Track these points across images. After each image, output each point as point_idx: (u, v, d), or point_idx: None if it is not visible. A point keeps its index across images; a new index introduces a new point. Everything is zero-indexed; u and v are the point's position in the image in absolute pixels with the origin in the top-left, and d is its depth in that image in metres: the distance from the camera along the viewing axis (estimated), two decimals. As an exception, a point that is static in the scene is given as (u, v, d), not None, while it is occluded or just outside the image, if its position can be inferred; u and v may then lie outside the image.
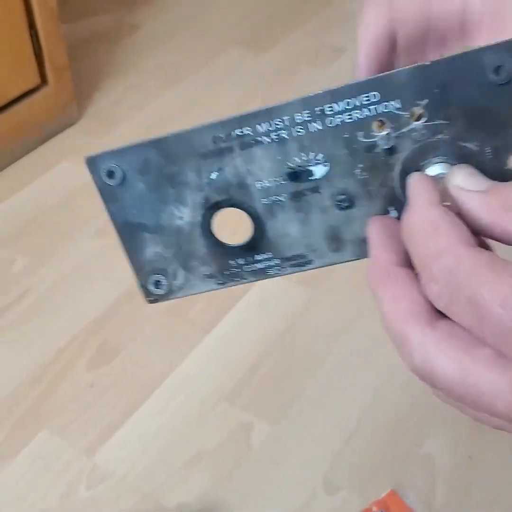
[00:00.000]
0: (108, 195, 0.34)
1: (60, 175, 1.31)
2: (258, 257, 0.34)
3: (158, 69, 1.63)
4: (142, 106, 1.49)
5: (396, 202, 0.33)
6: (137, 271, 0.35)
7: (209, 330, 1.01)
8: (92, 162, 0.33)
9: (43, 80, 1.34)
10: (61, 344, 0.99)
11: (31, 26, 1.27)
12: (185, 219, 0.33)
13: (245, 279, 0.35)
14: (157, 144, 0.33)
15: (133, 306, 1.05)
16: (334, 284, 1.08)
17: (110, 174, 0.33)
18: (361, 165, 0.32)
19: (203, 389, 0.94)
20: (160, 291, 0.35)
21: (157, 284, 0.35)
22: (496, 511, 0.80)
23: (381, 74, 0.31)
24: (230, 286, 0.35)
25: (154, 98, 1.52)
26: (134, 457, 0.86)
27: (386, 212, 0.33)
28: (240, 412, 0.91)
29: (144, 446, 0.87)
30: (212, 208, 0.33)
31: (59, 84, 1.37)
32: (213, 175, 0.33)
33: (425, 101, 0.30)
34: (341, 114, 0.31)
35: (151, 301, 0.36)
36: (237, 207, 0.34)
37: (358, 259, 0.35)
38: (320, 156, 0.32)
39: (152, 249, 0.34)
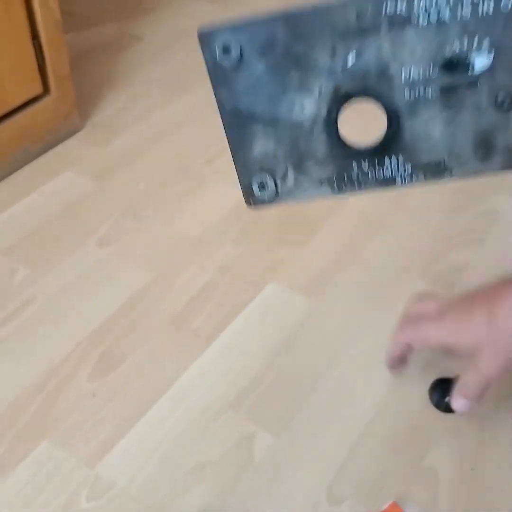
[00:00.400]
0: (219, 76, 0.30)
1: (62, 184, 1.31)
2: (387, 162, 0.30)
3: (160, 80, 1.64)
4: (145, 116, 1.50)
5: None
6: (241, 169, 0.32)
7: (211, 340, 1.01)
8: (206, 36, 0.29)
9: (45, 89, 1.35)
10: (63, 353, 0.99)
11: (34, 36, 1.28)
12: (307, 111, 0.29)
13: (367, 186, 0.31)
14: (288, 18, 0.28)
15: (136, 316, 1.05)
16: (336, 293, 1.08)
17: (226, 50, 0.29)
18: None
19: (206, 399, 0.93)
20: (265, 194, 0.31)
21: (262, 185, 0.31)
22: (500, 524, 0.79)
23: None
24: (347, 194, 0.31)
25: (157, 108, 1.53)
26: (137, 468, 0.85)
27: None
28: (243, 422, 0.91)
29: (146, 456, 0.87)
30: (342, 99, 0.29)
31: (61, 93, 1.37)
32: (350, 59, 0.28)
33: None
34: None
35: (252, 206, 0.31)
36: (373, 100, 0.29)
37: (503, 171, 0.29)
38: (485, 43, 0.27)
39: (261, 145, 0.30)
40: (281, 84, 0.29)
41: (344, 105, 0.29)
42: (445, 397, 0.86)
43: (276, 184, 0.31)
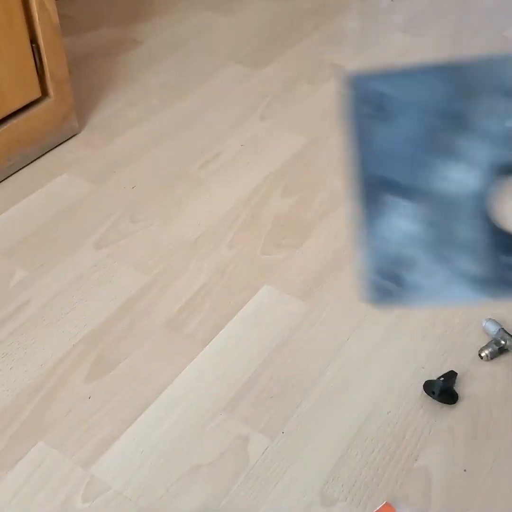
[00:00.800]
0: (360, 130, 0.23)
1: (60, 187, 1.32)
2: None
3: (158, 84, 1.65)
4: (142, 120, 1.51)
5: None
6: (370, 254, 0.23)
7: (206, 343, 1.02)
8: (355, 81, 0.24)
9: (44, 93, 1.36)
10: (59, 356, 1.00)
11: (33, 40, 1.29)
12: (457, 183, 0.22)
13: None
14: (446, 71, 0.22)
15: (132, 318, 1.05)
16: (332, 298, 1.09)
17: (373, 99, 0.23)
18: None
19: (201, 401, 0.94)
20: (393, 290, 0.23)
21: (388, 275, 0.23)
22: (492, 525, 0.80)
23: None
24: (499, 300, 0.22)
25: (154, 112, 1.53)
26: (132, 469, 0.86)
27: None
28: (237, 425, 0.91)
29: (141, 458, 0.87)
30: (500, 172, 0.22)
31: (59, 96, 1.38)
32: None
33: None
34: None
35: (371, 301, 0.23)
36: None
37: None
38: None
39: (398, 224, 0.23)
40: (430, 147, 0.23)
41: (503, 180, 0.22)
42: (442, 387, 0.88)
43: (408, 279, 0.23)
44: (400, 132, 0.23)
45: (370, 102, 0.23)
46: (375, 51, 1.77)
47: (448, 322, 1.05)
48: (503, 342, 1.00)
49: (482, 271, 0.21)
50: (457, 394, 0.93)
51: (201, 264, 1.14)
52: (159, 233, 1.21)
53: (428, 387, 0.93)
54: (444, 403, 0.92)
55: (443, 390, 0.91)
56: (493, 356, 0.99)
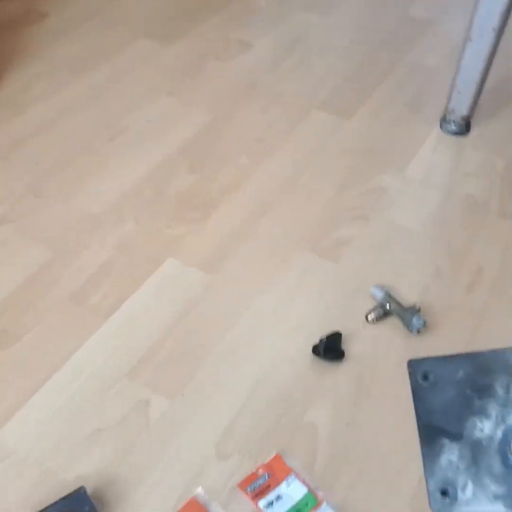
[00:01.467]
0: (419, 395, 0.37)
1: (-37, 164, 1.31)
2: None
3: (65, 58, 1.64)
4: (48, 94, 1.51)
5: None
6: (429, 476, 0.36)
7: (109, 315, 1.06)
8: (414, 365, 0.37)
9: None
10: (-37, 330, 1.02)
11: None
12: (485, 432, 0.35)
13: None
14: (474, 358, 0.36)
15: (35, 293, 1.08)
16: (232, 268, 1.15)
17: (425, 376, 0.37)
18: None
19: (103, 370, 0.98)
20: (446, 501, 0.35)
21: (445, 493, 0.36)
22: (370, 474, 0.89)
23: None
24: None
25: (61, 86, 1.54)
26: (36, 435, 0.90)
27: None
28: (139, 389, 0.96)
29: (44, 425, 0.91)
30: None
31: (-39, 71, 1.36)
32: None
33: None
34: None
35: (434, 510, 0.36)
36: None
37: None
38: None
39: (447, 457, 0.35)
40: (466, 407, 0.35)
41: None
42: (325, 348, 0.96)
43: (456, 493, 0.35)
44: (445, 396, 0.36)
45: (424, 377, 0.37)
46: (281, 29, 1.82)
47: (341, 287, 1.13)
48: (388, 305, 1.08)
49: (503, 491, 0.34)
50: (342, 352, 1.01)
51: (105, 239, 1.18)
52: (63, 208, 1.23)
53: (315, 348, 1.01)
54: (330, 360, 1.00)
55: (327, 348, 0.99)
56: (378, 318, 1.08)
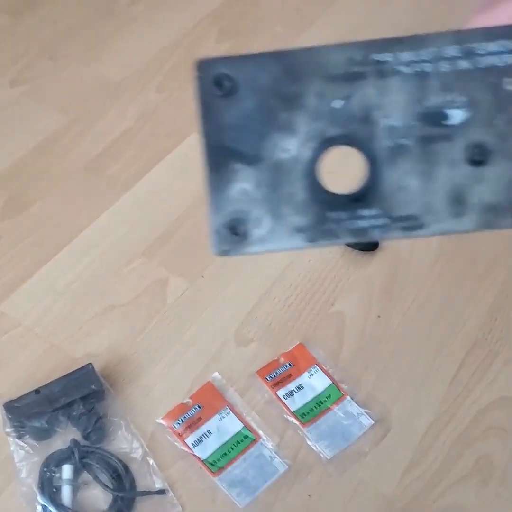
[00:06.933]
0: (208, 108, 0.28)
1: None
2: (363, 212, 0.29)
3: None
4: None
5: None
6: (214, 210, 0.29)
7: (128, 188, 0.98)
8: (202, 66, 0.28)
9: None
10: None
11: None
12: (291, 152, 0.28)
13: (340, 238, 0.29)
14: (282, 57, 0.29)
15: (48, 160, 1.00)
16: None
17: (219, 82, 0.28)
18: (504, 116, 0.28)
19: (119, 245, 0.91)
20: (235, 239, 0.29)
21: (234, 230, 0.29)
22: (399, 371, 0.82)
23: None
24: (319, 246, 0.29)
25: None
26: (43, 308, 0.84)
27: None
28: (156, 269, 0.90)
29: (54, 297, 0.85)
30: (325, 143, 0.28)
31: None
32: (337, 103, 0.28)
33: None
34: (493, 55, 0.28)
35: (220, 253, 0.29)
36: (355, 146, 0.29)
37: (479, 230, 0.29)
38: (461, 98, 0.28)
39: (240, 185, 0.28)
40: (268, 122, 0.28)
41: (327, 149, 0.29)
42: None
43: (249, 230, 0.28)
44: (242, 109, 0.28)
45: (216, 83, 0.28)
46: None
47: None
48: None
49: (306, 222, 0.28)
50: (377, 242, 0.93)
51: (126, 107, 1.08)
52: (81, 72, 1.12)
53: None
54: (363, 250, 0.92)
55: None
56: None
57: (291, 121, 0.28)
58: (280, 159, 0.28)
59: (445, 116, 0.28)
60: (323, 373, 0.81)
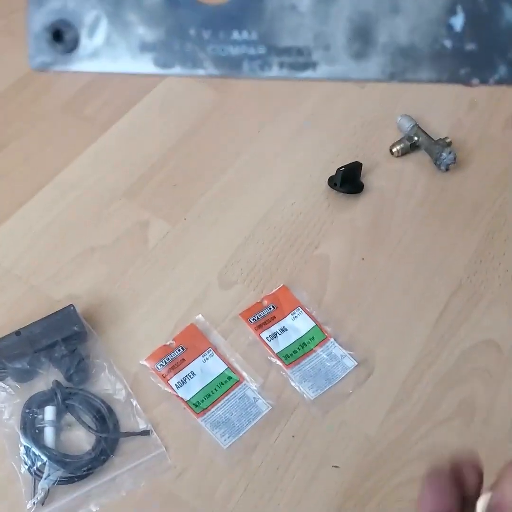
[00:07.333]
0: None
1: None
2: (235, 35, 0.22)
3: None
4: None
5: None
6: (35, 3, 0.21)
7: (107, 127, 0.95)
8: None
9: None
10: None
11: None
12: None
13: (203, 68, 0.22)
14: None
15: (23, 98, 0.96)
16: (245, 89, 1.02)
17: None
18: None
19: (99, 186, 0.89)
20: (59, 49, 0.21)
21: (58, 34, 0.21)
22: (382, 315, 0.82)
23: None
24: (176, 75, 0.22)
25: None
26: (22, 248, 0.82)
27: (451, 12, 0.21)
28: (137, 210, 0.88)
29: (32, 239, 0.83)
30: None
31: None
32: None
33: None
34: None
35: (38, 66, 0.22)
36: None
37: (382, 81, 0.23)
38: None
39: None
40: None
41: None
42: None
43: (79, 38, 0.21)
44: None
45: None
46: None
47: (364, 117, 1.01)
48: (415, 138, 0.97)
49: (159, 37, 0.21)
50: (361, 184, 0.92)
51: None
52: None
53: (332, 179, 0.91)
54: (347, 193, 0.91)
55: (345, 179, 0.89)
56: (404, 152, 0.97)
57: None
58: None
59: None
60: (307, 315, 0.80)
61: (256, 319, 0.79)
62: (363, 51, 0.22)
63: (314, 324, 0.79)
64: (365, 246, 0.87)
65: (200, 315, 0.79)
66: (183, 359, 0.76)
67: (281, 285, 0.82)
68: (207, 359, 0.76)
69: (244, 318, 0.79)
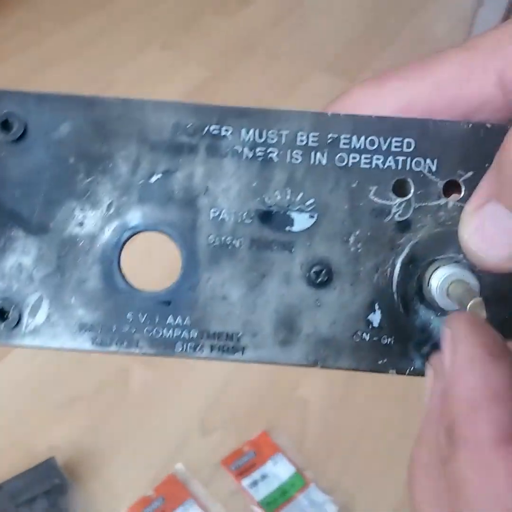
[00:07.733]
0: None
1: None
2: (170, 320, 0.24)
3: (53, 6, 1.55)
4: (31, 44, 1.41)
5: (384, 299, 0.24)
6: None
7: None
8: None
9: None
10: None
11: None
12: (87, 228, 0.23)
13: (138, 348, 0.25)
14: (92, 104, 0.22)
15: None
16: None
17: (6, 122, 0.22)
18: (358, 232, 0.23)
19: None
20: (2, 325, 0.23)
21: (2, 312, 0.23)
22: (362, 449, 0.83)
23: (430, 118, 0.22)
24: (111, 353, 0.25)
25: (45, 36, 1.44)
26: (4, 403, 0.83)
27: (369, 309, 0.24)
28: (119, 357, 0.89)
29: (14, 390, 0.84)
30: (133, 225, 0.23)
31: None
32: (154, 177, 0.23)
33: (469, 174, 0.23)
34: (359, 153, 0.23)
35: None
36: (169, 235, 0.23)
37: (306, 366, 0.25)
38: (309, 201, 0.23)
39: (16, 258, 0.23)
40: (63, 185, 0.22)
41: (134, 233, 0.23)
42: None
43: (19, 317, 0.23)
44: (32, 162, 0.22)
45: (6, 125, 0.22)
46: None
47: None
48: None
49: (95, 319, 0.23)
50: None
51: None
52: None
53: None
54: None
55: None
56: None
57: (92, 188, 0.22)
58: (73, 234, 0.23)
59: (286, 219, 0.23)
60: (287, 461, 0.81)
61: (237, 466, 0.80)
62: (288, 339, 0.24)
63: (294, 470, 0.80)
64: (344, 386, 0.89)
65: (180, 464, 0.79)
66: (163, 511, 0.75)
67: (261, 430, 0.83)
68: (187, 510, 0.76)
69: (225, 465, 0.80)
